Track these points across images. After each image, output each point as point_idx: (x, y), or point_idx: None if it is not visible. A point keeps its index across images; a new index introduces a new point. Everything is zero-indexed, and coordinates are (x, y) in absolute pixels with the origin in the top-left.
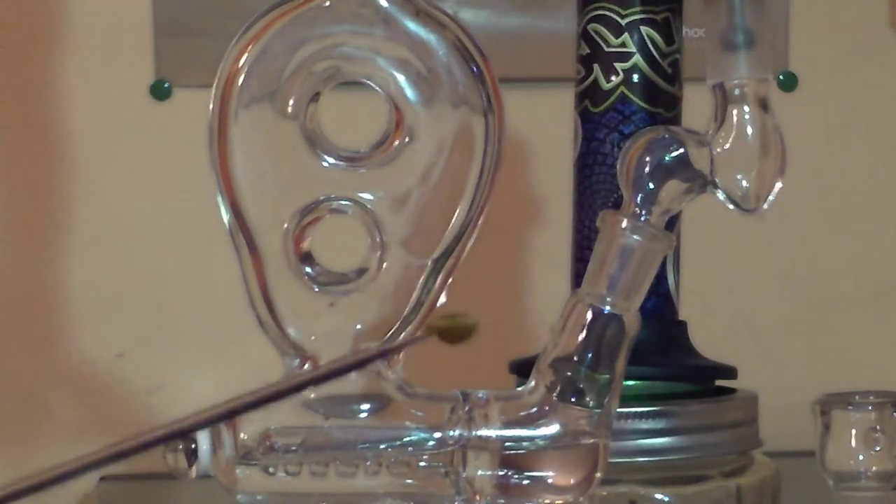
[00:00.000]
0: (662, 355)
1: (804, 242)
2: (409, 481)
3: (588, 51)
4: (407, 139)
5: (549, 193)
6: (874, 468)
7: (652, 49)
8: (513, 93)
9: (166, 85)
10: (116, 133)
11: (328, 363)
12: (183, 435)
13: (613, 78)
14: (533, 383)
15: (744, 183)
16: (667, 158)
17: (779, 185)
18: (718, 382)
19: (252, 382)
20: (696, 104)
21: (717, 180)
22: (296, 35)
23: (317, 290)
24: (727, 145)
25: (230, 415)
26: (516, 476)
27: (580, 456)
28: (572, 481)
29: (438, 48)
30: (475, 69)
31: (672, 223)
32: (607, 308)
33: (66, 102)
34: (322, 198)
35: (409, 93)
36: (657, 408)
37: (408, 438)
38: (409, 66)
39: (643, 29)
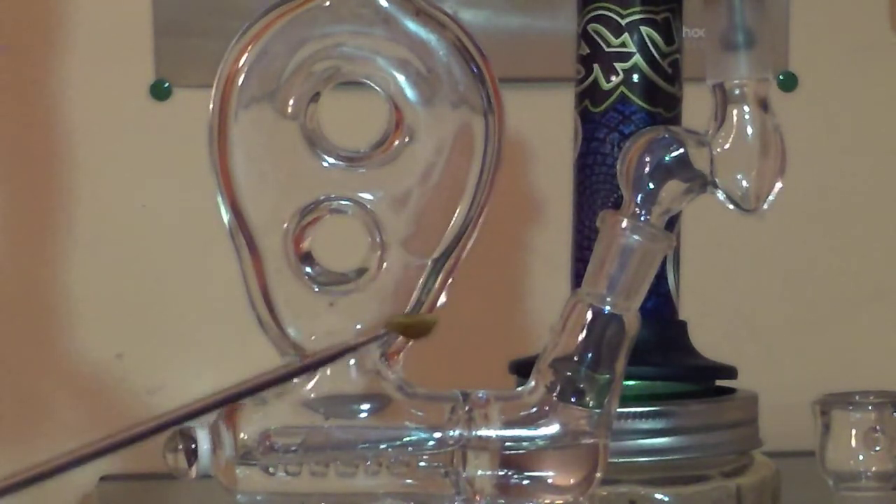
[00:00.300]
0: (662, 355)
1: (804, 242)
2: (409, 481)
3: (588, 51)
4: (407, 139)
5: (549, 193)
6: (874, 468)
7: (652, 49)
8: (513, 93)
9: (166, 85)
10: (116, 133)
11: (297, 361)
12: (177, 424)
13: (613, 78)
14: (533, 383)
15: (744, 183)
16: (667, 158)
17: (779, 185)
18: (718, 382)
19: None
20: (696, 104)
21: (717, 180)
22: (296, 35)
23: (317, 290)
24: (727, 145)
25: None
26: (516, 476)
27: (580, 456)
28: (572, 481)
29: (438, 48)
30: (475, 69)
31: (672, 223)
32: (607, 308)
33: (66, 102)
34: (322, 198)
35: (409, 93)
36: (657, 408)
37: (408, 438)
38: (409, 66)
39: (643, 29)
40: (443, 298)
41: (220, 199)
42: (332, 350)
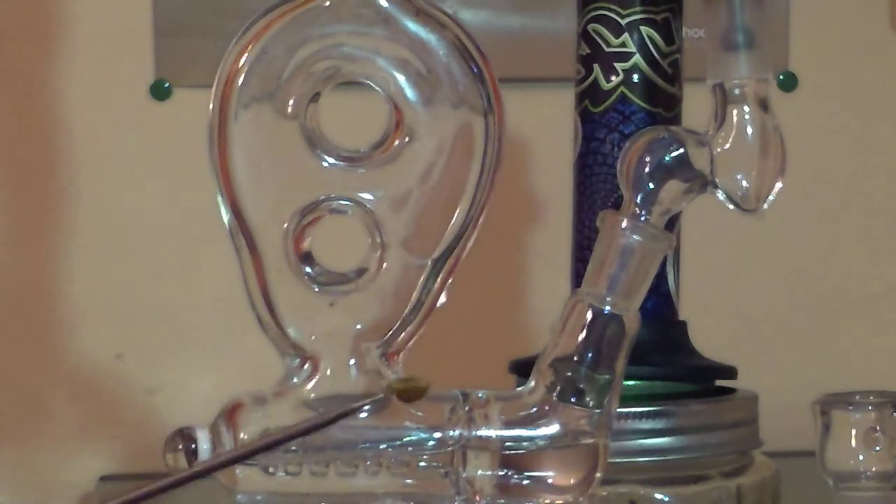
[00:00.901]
0: (662, 355)
1: (804, 242)
2: (409, 481)
3: (588, 51)
4: (407, 139)
5: (549, 193)
6: (874, 468)
7: (652, 49)
8: (513, 93)
9: (166, 85)
10: (116, 133)
11: (282, 430)
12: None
13: (613, 78)
14: (533, 383)
15: (744, 183)
16: (667, 158)
17: (779, 185)
18: (718, 382)
19: (252, 382)
20: (696, 104)
21: (717, 180)
22: (296, 35)
23: (317, 290)
24: (727, 145)
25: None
26: (516, 476)
27: (580, 456)
28: (572, 481)
29: (438, 48)
30: (475, 69)
31: (672, 223)
32: (607, 308)
33: (66, 102)
34: (322, 198)
35: (409, 93)
36: (657, 408)
37: (408, 438)
38: (409, 66)
39: (643, 29)
40: (443, 298)
41: (220, 199)
42: (330, 414)
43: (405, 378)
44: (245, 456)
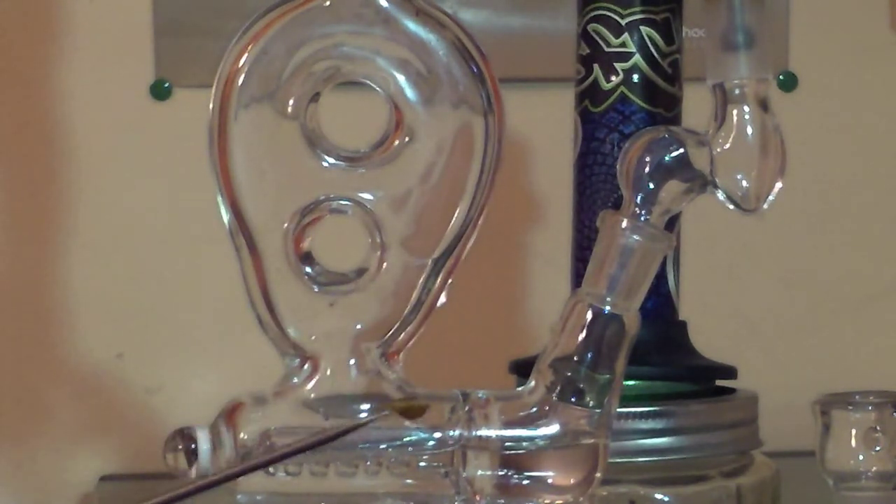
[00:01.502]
0: (662, 355)
1: (804, 242)
2: (409, 481)
3: (588, 51)
4: (407, 139)
5: (549, 193)
6: (874, 468)
7: (652, 49)
8: (513, 93)
9: (166, 85)
10: (116, 133)
11: (283, 446)
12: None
13: (613, 78)
14: (533, 383)
15: (744, 183)
16: (667, 158)
17: (779, 185)
18: (718, 382)
19: (252, 382)
20: (696, 104)
21: (717, 180)
22: (296, 35)
23: (317, 290)
24: (727, 145)
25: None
26: (516, 476)
27: (580, 456)
28: (572, 481)
29: (438, 48)
30: (475, 69)
31: (672, 223)
32: (607, 308)
33: (66, 102)
34: (322, 198)
35: (409, 93)
36: (657, 408)
37: (408, 438)
38: (409, 66)
39: (643, 29)
40: (443, 298)
41: (220, 199)
42: (335, 430)
43: (407, 397)
44: (257, 467)
